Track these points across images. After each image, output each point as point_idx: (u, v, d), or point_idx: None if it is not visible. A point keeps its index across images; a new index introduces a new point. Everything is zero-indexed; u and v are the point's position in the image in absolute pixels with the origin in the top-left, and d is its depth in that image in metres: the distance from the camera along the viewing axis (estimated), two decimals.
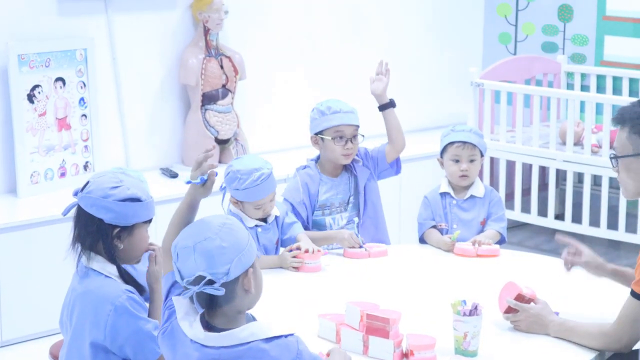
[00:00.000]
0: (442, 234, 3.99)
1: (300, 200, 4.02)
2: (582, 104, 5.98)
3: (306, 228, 4.00)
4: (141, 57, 5.43)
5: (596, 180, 5.94)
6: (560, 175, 6.17)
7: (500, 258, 3.83)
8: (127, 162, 5.40)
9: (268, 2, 5.87)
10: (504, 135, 5.99)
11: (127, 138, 5.43)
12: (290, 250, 3.73)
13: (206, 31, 5.45)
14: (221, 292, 2.40)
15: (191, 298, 2.48)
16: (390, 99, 4.12)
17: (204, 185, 2.69)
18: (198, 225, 2.50)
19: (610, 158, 2.98)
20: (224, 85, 5.53)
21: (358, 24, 6.27)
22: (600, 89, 6.29)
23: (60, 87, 5.10)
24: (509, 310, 3.08)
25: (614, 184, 5.82)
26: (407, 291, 3.48)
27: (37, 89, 5.00)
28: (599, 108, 6.05)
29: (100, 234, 2.89)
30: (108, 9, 5.26)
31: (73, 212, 2.96)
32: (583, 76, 6.42)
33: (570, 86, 6.47)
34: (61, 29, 5.12)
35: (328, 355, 2.66)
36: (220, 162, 5.47)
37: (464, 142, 4.01)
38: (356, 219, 3.98)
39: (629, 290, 2.94)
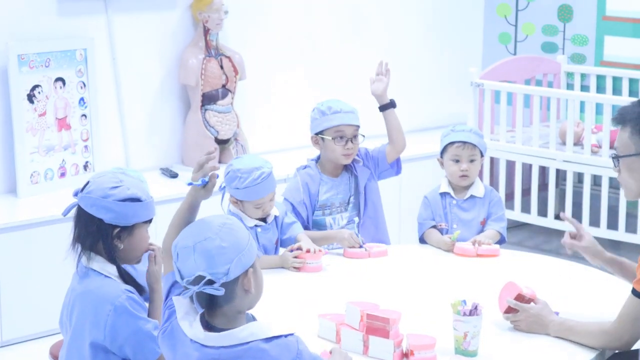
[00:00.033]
0: (442, 234, 3.99)
1: (301, 200, 4.02)
2: (582, 104, 5.98)
3: (306, 228, 4.00)
4: (141, 57, 5.43)
5: (596, 180, 5.94)
6: (560, 175, 6.17)
7: (500, 258, 3.82)
8: (127, 162, 5.40)
9: (268, 2, 5.87)
10: (504, 135, 5.99)
11: (127, 138, 5.43)
12: (292, 251, 3.73)
13: (206, 31, 5.45)
14: (221, 292, 2.40)
15: (191, 298, 2.49)
16: (390, 100, 4.12)
17: (205, 187, 2.69)
18: (198, 225, 2.50)
19: (612, 158, 2.98)
20: (223, 86, 5.53)
21: (358, 24, 6.27)
22: (600, 89, 6.29)
23: (60, 87, 5.10)
24: (509, 310, 3.08)
25: (614, 184, 5.83)
26: (407, 291, 3.48)
27: (37, 89, 5.00)
28: (598, 108, 6.05)
29: (100, 234, 2.89)
30: (108, 9, 5.27)
31: (73, 212, 2.96)
32: (583, 76, 6.42)
33: (570, 86, 6.47)
34: (61, 29, 5.12)
35: (330, 353, 2.66)
36: (220, 162, 5.46)
37: (464, 142, 4.01)
38: (356, 219, 3.97)
39: (628, 287, 2.94)
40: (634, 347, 2.96)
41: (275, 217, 3.82)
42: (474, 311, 2.89)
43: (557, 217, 5.91)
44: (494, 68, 6.19)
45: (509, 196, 6.04)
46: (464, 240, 3.89)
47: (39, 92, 5.01)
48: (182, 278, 2.45)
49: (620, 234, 5.63)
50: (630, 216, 5.76)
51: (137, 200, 2.89)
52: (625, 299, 2.90)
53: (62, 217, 3.06)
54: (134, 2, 5.36)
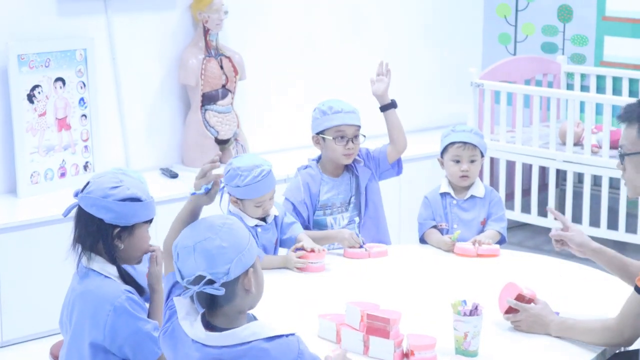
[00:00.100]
0: (442, 234, 3.99)
1: (302, 199, 4.02)
2: (582, 104, 5.98)
3: (307, 228, 4.00)
4: (141, 58, 5.43)
5: (596, 181, 5.94)
6: (560, 176, 6.17)
7: (500, 258, 3.83)
8: (127, 162, 5.40)
9: (268, 2, 5.87)
10: (504, 135, 5.99)
11: (127, 138, 5.43)
12: (296, 250, 3.73)
13: (206, 31, 5.45)
14: (221, 291, 2.40)
15: (192, 298, 2.49)
16: (391, 100, 4.13)
17: (207, 193, 2.69)
18: (198, 225, 2.50)
19: (619, 155, 2.96)
20: (223, 86, 5.53)
21: (358, 24, 6.27)
22: (600, 89, 6.29)
23: (60, 87, 5.09)
24: (510, 311, 3.08)
25: (614, 184, 5.83)
26: (408, 291, 3.48)
27: (37, 89, 5.00)
28: (598, 108, 6.05)
29: (100, 234, 2.89)
30: (108, 9, 5.26)
31: (73, 212, 2.96)
32: (583, 76, 6.42)
33: (570, 86, 6.47)
34: (61, 29, 5.12)
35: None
36: (220, 162, 5.46)
37: (465, 143, 4.01)
38: (357, 219, 3.98)
39: (628, 288, 2.94)
40: (634, 347, 2.96)
41: (275, 217, 3.82)
42: (474, 311, 2.89)
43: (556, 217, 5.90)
44: (494, 68, 6.19)
45: (509, 196, 6.04)
46: (464, 240, 3.89)
47: (39, 92, 5.00)
48: (182, 278, 2.45)
49: (621, 234, 5.63)
50: (631, 216, 5.76)
51: (137, 200, 2.90)
52: (628, 296, 2.90)
53: (63, 217, 3.06)
54: (133, 2, 5.36)
